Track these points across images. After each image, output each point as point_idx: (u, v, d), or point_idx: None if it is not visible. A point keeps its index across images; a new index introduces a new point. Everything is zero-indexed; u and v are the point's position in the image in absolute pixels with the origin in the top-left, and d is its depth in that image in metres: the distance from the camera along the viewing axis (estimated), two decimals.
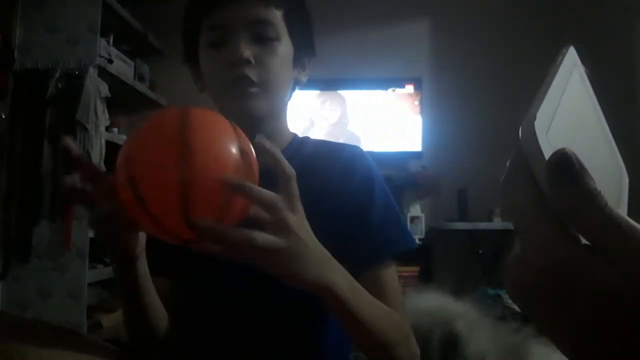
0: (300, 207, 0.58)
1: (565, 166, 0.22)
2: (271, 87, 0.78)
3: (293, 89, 0.88)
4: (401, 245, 0.83)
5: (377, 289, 0.74)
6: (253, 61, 0.76)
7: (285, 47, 0.81)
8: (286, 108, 0.88)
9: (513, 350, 1.11)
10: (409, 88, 3.34)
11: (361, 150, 0.87)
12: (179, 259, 0.77)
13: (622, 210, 0.22)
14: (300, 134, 0.93)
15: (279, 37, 0.79)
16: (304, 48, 0.86)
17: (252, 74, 0.76)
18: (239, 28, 0.77)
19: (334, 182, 0.81)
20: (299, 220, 0.58)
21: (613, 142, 0.32)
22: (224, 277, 0.76)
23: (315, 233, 0.69)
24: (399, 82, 3.35)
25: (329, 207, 0.78)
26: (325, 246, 0.64)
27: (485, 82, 3.31)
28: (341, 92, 3.38)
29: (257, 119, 0.79)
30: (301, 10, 0.85)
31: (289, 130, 0.90)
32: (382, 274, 0.79)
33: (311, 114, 3.38)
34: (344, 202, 0.80)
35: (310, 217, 0.72)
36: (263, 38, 0.78)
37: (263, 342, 0.79)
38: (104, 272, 2.61)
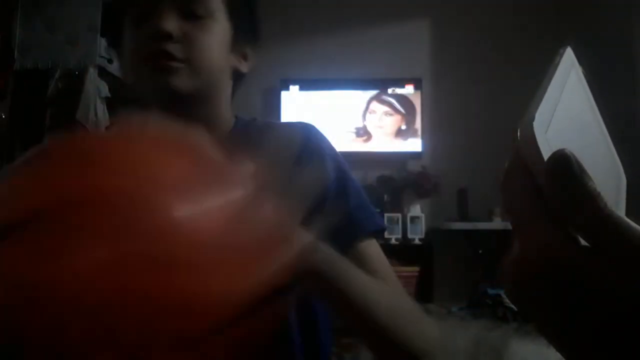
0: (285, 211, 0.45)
1: (565, 167, 0.22)
2: (198, 64, 0.70)
3: (236, 79, 0.81)
4: (379, 221, 0.76)
5: (370, 264, 0.67)
6: (175, 36, 0.68)
7: (219, 27, 0.73)
8: (222, 92, 0.78)
9: (496, 349, 1.11)
10: (409, 88, 3.34)
11: (313, 127, 0.79)
12: None
13: (620, 211, 0.22)
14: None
15: (212, 15, 0.72)
16: (244, 33, 0.78)
17: (174, 49, 0.68)
18: (166, 2, 0.69)
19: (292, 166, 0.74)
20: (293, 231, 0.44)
21: (611, 142, 0.32)
22: None
23: None
24: (399, 82, 3.35)
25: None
26: None
27: (485, 82, 3.31)
28: (343, 92, 3.39)
29: (180, 99, 0.70)
30: None
31: (228, 114, 0.81)
32: (366, 246, 0.71)
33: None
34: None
35: None
36: (193, 15, 0.70)
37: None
38: None
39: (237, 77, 0.81)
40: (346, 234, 0.67)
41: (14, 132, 2.49)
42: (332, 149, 0.78)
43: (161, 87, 0.68)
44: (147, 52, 0.68)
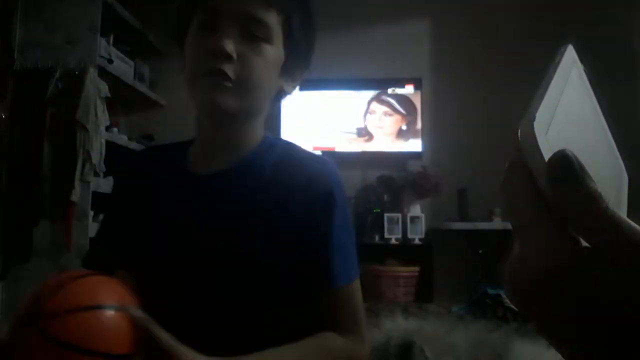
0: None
1: (565, 167, 0.22)
2: (247, 86, 0.76)
3: (278, 98, 0.86)
4: (346, 275, 0.79)
5: (330, 309, 0.76)
6: (234, 57, 0.74)
7: (274, 51, 0.78)
8: (262, 112, 0.84)
9: (497, 350, 1.11)
10: (409, 88, 3.34)
11: (330, 166, 0.83)
12: (141, 255, 0.80)
13: (622, 211, 0.22)
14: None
15: (270, 40, 0.77)
16: (298, 59, 0.83)
17: (229, 69, 0.74)
18: (231, 19, 0.75)
19: (294, 195, 0.78)
20: None
21: (613, 141, 0.31)
22: (182, 276, 0.77)
23: (270, 243, 0.73)
24: (399, 82, 3.35)
25: (285, 219, 0.77)
26: (279, 257, 0.70)
27: (485, 82, 3.31)
28: (343, 92, 3.38)
29: (225, 115, 0.77)
30: (306, 22, 0.82)
31: (259, 133, 0.86)
32: (338, 293, 0.77)
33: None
34: (302, 217, 0.77)
35: (267, 226, 0.76)
36: (253, 36, 0.76)
37: (223, 341, 0.75)
38: None
39: (280, 95, 0.86)
40: (320, 281, 0.76)
41: (14, 132, 2.49)
42: (343, 194, 0.82)
43: (209, 101, 0.75)
44: (206, 68, 0.74)
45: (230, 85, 0.74)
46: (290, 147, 0.87)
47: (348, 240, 0.81)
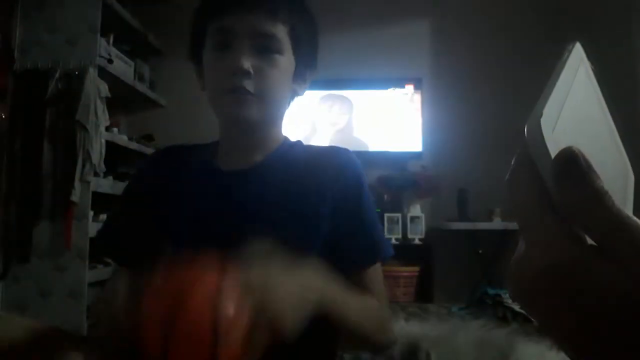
0: (256, 264, 0.59)
1: (572, 165, 0.22)
2: (267, 98, 0.82)
3: (291, 99, 0.92)
4: (387, 249, 0.87)
5: (366, 285, 0.82)
6: (252, 72, 0.79)
7: (286, 61, 0.84)
8: (282, 116, 0.91)
9: (500, 350, 1.11)
10: (409, 88, 3.34)
11: (351, 154, 0.89)
12: (151, 250, 0.80)
13: (628, 209, 0.22)
14: (304, 141, 0.95)
15: (281, 51, 0.82)
16: (307, 63, 0.89)
17: (249, 84, 0.79)
18: (243, 36, 0.80)
19: (323, 186, 0.84)
20: (265, 282, 0.59)
21: (619, 140, 0.31)
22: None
23: (301, 235, 0.77)
24: (399, 82, 3.35)
25: (316, 210, 0.82)
26: (313, 248, 0.75)
27: (485, 82, 3.31)
28: (343, 92, 3.38)
29: (248, 125, 0.83)
30: (309, 28, 0.88)
31: (280, 135, 0.92)
32: (371, 272, 0.84)
33: (314, 118, 3.35)
34: (334, 206, 0.83)
35: (297, 219, 0.80)
36: (265, 50, 0.81)
37: None
38: (104, 272, 2.60)
39: (292, 97, 0.91)
40: (351, 261, 0.83)
41: (14, 132, 2.49)
42: (366, 179, 0.88)
43: (234, 116, 0.81)
44: (227, 86, 0.80)
45: (252, 97, 0.80)
46: (309, 145, 0.94)
47: (377, 219, 0.88)
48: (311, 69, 0.91)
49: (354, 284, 0.82)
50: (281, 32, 0.82)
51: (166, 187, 0.88)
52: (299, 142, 0.94)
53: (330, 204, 0.82)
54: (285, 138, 0.93)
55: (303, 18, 0.87)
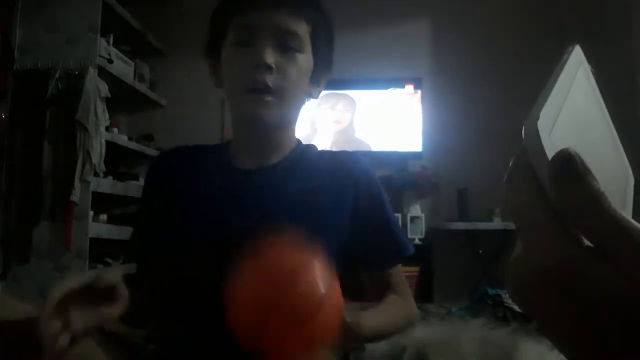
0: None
1: (569, 167, 0.22)
2: (286, 97, 0.82)
3: (305, 102, 0.92)
4: (410, 247, 0.90)
5: (392, 282, 0.87)
6: (274, 68, 0.79)
7: (307, 60, 0.85)
8: (296, 119, 0.92)
9: (504, 351, 1.11)
10: (409, 88, 3.34)
11: (365, 158, 0.92)
12: (176, 243, 0.83)
13: (627, 211, 0.22)
14: (304, 141, 0.95)
15: (302, 50, 0.83)
16: (323, 65, 0.90)
17: (269, 80, 0.79)
18: (267, 33, 0.80)
19: (344, 190, 0.86)
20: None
21: (619, 142, 0.31)
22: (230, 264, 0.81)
23: (324, 234, 0.75)
24: (399, 82, 3.35)
25: (337, 214, 0.84)
26: (332, 248, 0.74)
27: (485, 82, 3.31)
28: (343, 92, 3.38)
29: (265, 125, 0.83)
30: (328, 30, 0.90)
31: (294, 137, 0.93)
32: (395, 270, 0.89)
33: (314, 118, 3.32)
34: (357, 210, 0.85)
35: (319, 219, 0.81)
36: (287, 47, 0.81)
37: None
38: None
39: (306, 100, 0.92)
40: (377, 261, 0.88)
41: (14, 132, 2.49)
42: (377, 180, 0.91)
43: (253, 116, 0.81)
44: (249, 82, 0.79)
45: (272, 98, 0.80)
46: (323, 150, 0.96)
47: (396, 220, 0.93)
48: (326, 73, 0.92)
49: (378, 281, 0.87)
50: (304, 31, 0.83)
51: (189, 188, 0.88)
52: (312, 146, 0.95)
53: (350, 207, 0.85)
54: (298, 140, 0.94)
55: (324, 20, 0.88)
